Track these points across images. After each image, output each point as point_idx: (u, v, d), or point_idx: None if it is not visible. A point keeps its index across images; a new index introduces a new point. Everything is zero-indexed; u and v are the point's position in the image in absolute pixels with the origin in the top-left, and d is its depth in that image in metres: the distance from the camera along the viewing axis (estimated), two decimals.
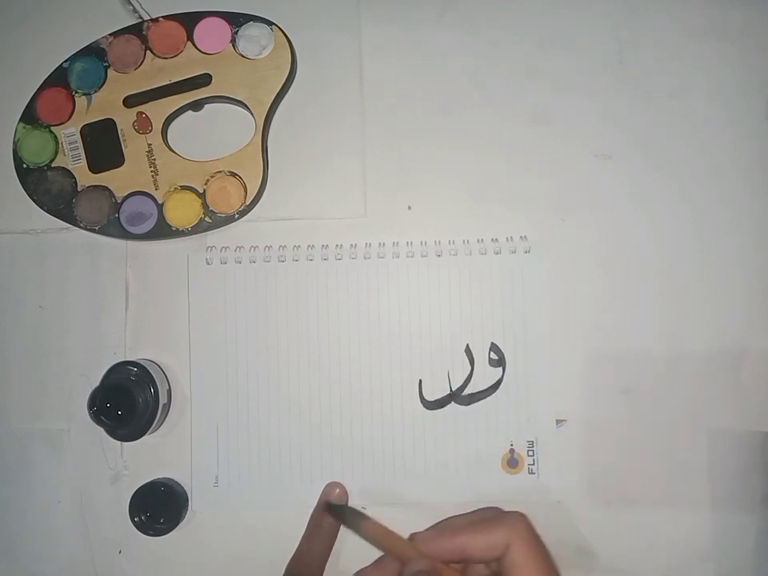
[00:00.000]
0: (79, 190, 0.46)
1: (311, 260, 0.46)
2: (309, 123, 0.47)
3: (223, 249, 0.47)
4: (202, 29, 0.46)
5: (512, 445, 0.45)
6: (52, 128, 0.46)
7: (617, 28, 0.47)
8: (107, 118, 0.46)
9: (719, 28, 0.47)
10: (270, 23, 0.46)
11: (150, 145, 0.46)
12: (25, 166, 0.46)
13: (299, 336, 0.46)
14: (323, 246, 0.46)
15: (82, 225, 0.46)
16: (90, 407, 0.42)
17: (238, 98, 0.46)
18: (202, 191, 0.46)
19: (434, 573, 0.33)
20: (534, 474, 0.45)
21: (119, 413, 0.42)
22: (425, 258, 0.46)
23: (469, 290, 0.46)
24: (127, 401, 0.42)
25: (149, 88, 0.46)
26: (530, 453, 0.45)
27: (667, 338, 0.46)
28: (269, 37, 0.46)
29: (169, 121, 0.46)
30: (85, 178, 0.46)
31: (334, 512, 0.41)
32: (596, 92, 0.47)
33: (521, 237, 0.46)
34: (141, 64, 0.46)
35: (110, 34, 0.46)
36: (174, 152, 0.46)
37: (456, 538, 0.34)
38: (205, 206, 0.46)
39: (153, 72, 0.46)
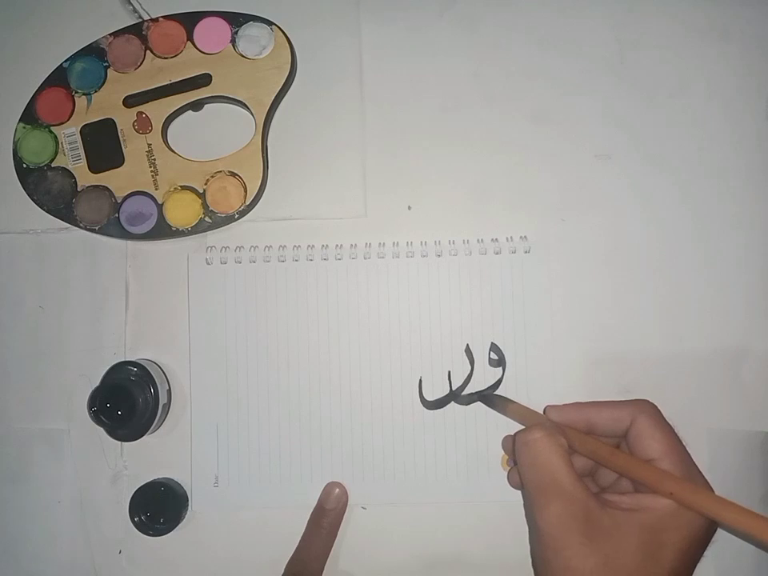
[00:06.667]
0: (79, 189, 0.46)
1: (311, 260, 0.46)
2: (309, 123, 0.47)
3: (223, 249, 0.47)
4: (201, 29, 0.46)
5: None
6: (52, 128, 0.46)
7: (617, 28, 0.47)
8: (107, 118, 0.46)
9: (719, 28, 0.47)
10: (270, 23, 0.46)
11: (149, 145, 0.46)
12: (25, 165, 0.46)
13: (299, 336, 0.46)
14: (323, 246, 0.46)
15: (81, 225, 0.46)
16: (90, 407, 0.42)
17: (238, 98, 0.46)
18: (201, 191, 0.46)
19: (558, 429, 0.36)
20: None
21: (119, 413, 0.42)
22: (425, 258, 0.46)
23: (469, 290, 0.46)
24: (127, 401, 0.42)
25: (149, 88, 0.46)
26: None
27: (667, 337, 0.45)
28: (269, 37, 0.46)
29: (169, 121, 0.46)
30: (85, 177, 0.46)
31: (484, 400, 0.45)
32: (596, 92, 0.47)
33: (521, 237, 0.46)
34: (141, 64, 0.46)
35: (109, 34, 0.46)
36: (174, 152, 0.46)
37: (583, 409, 0.38)
38: (205, 205, 0.46)
39: (153, 72, 0.46)
